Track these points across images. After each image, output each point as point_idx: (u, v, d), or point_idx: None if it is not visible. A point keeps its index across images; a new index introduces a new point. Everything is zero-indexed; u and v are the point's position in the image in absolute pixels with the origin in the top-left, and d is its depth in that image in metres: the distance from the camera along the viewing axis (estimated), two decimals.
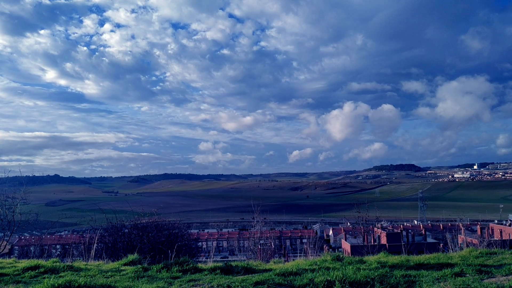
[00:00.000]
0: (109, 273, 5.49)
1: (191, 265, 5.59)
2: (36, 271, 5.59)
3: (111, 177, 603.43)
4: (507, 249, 7.15)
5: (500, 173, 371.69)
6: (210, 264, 6.03)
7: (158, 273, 5.31)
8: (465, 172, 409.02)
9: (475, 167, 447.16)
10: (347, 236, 60.02)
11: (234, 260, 6.76)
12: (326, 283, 4.47)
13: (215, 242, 75.79)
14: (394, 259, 6.37)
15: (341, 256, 6.54)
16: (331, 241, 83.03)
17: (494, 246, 9.68)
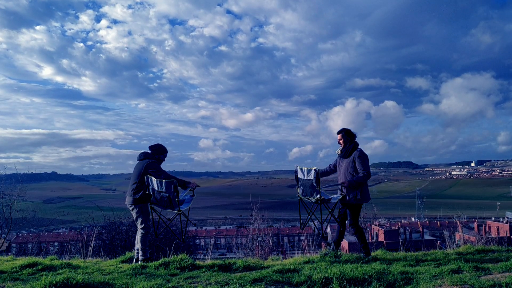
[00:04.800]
0: (107, 271, 5.48)
1: (189, 262, 5.58)
2: (34, 268, 5.57)
3: (109, 174, 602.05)
4: (504, 246, 7.17)
5: (498, 171, 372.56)
6: (208, 261, 6.03)
7: (156, 271, 5.30)
8: (462, 170, 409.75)
9: (473, 164, 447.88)
10: (345, 233, 60.10)
11: (232, 258, 6.76)
12: (323, 280, 4.47)
13: (213, 239, 75.82)
14: (391, 256, 6.38)
15: (339, 253, 6.55)
16: (329, 238, 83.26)
17: (491, 243, 9.73)
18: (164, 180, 6.14)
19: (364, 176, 6.16)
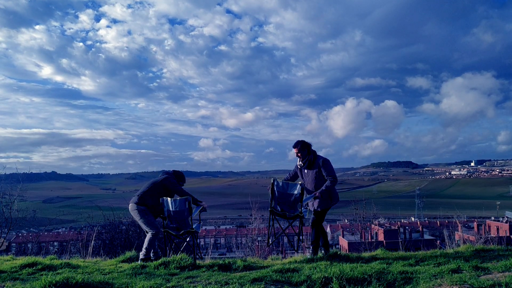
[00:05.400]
0: (107, 270, 5.48)
1: (189, 262, 5.58)
2: (34, 268, 5.57)
3: (109, 174, 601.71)
4: (503, 246, 7.17)
5: (497, 170, 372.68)
6: (208, 261, 6.03)
7: (155, 270, 5.30)
8: (462, 169, 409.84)
9: (472, 164, 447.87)
10: (345, 233, 60.12)
11: (232, 257, 6.76)
12: (323, 279, 4.47)
13: (212, 239, 75.82)
14: (391, 255, 6.39)
15: (339, 252, 6.55)
16: (329, 238, 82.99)
17: (491, 243, 9.74)
18: (178, 198, 6.26)
19: (332, 182, 6.30)
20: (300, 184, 6.43)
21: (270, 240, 6.49)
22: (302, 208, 6.38)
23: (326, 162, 6.40)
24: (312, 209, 6.47)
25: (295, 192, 6.39)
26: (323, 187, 6.29)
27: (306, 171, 6.53)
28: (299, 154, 6.50)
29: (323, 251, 6.57)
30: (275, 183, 6.52)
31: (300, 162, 6.55)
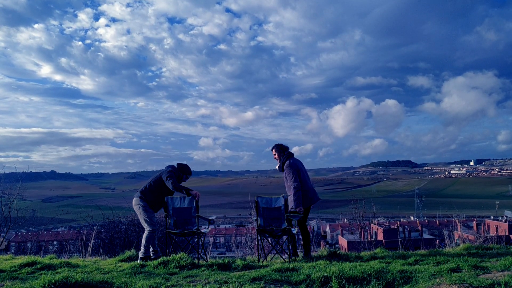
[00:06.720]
0: (106, 269, 5.48)
1: (188, 261, 5.58)
2: (33, 267, 5.56)
3: (108, 173, 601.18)
4: (502, 245, 7.19)
5: (497, 170, 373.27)
6: (208, 260, 6.03)
7: (155, 269, 5.30)
8: (461, 169, 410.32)
9: (472, 163, 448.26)
10: (344, 232, 60.21)
11: (231, 256, 6.77)
12: (323, 279, 4.47)
13: (212, 238, 75.79)
14: (390, 255, 6.39)
15: (338, 252, 6.55)
16: (328, 237, 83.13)
17: (490, 242, 9.74)
18: (187, 197, 6.40)
19: (294, 190, 6.25)
20: (283, 197, 6.45)
21: (260, 259, 6.41)
22: (292, 222, 6.35)
23: (287, 167, 6.37)
24: (295, 230, 6.45)
25: (280, 205, 6.41)
26: (292, 200, 6.28)
27: (283, 174, 6.58)
28: (276, 156, 6.58)
29: (303, 253, 6.54)
30: (259, 200, 6.52)
31: (277, 166, 6.66)
